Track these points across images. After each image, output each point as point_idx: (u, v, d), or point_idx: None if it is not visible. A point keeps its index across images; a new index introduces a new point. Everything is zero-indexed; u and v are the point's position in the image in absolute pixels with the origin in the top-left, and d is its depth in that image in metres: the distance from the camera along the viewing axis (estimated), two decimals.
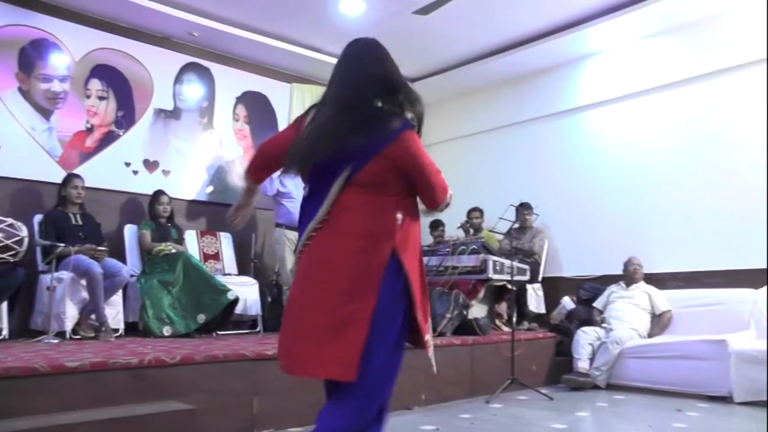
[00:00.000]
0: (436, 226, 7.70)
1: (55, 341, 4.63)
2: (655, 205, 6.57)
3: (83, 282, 5.17)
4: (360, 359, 1.98)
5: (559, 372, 5.88)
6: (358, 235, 2.07)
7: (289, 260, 6.02)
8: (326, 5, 6.40)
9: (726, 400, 4.88)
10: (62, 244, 5.05)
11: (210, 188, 7.14)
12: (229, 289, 5.61)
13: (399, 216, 2.12)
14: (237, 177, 7.35)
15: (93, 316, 5.17)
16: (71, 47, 6.26)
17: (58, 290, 4.95)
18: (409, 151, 2.13)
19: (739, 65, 6.13)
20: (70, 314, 5.08)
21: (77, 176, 5.69)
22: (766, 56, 5.73)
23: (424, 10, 5.75)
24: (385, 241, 2.08)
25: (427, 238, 7.68)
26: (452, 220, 7.46)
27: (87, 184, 5.71)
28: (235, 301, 5.64)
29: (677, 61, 6.55)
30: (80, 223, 5.55)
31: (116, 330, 5.31)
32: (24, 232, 4.77)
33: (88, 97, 6.38)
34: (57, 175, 5.91)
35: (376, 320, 2.01)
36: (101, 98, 6.47)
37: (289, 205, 6.45)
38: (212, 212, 7.09)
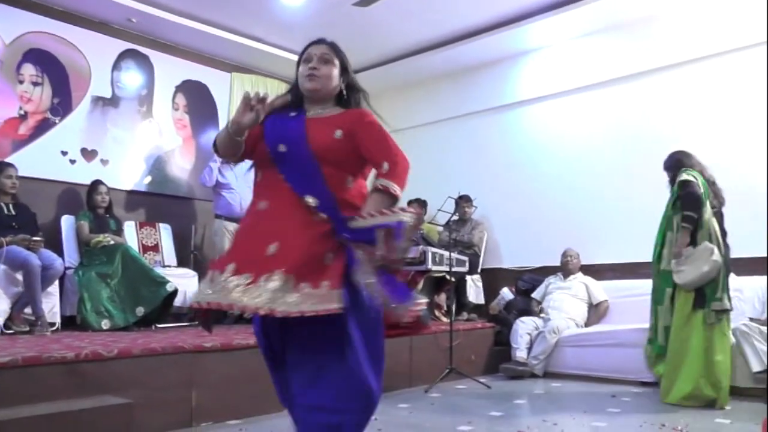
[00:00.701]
0: None
1: None
2: (592, 198, 6.74)
3: (18, 275, 5.03)
4: None
5: (498, 361, 6.00)
6: None
7: None
8: None
9: (657, 385, 5.01)
10: None
11: (149, 178, 7.00)
12: (167, 281, 5.54)
13: None
14: (176, 167, 7.25)
15: (27, 310, 5.03)
16: (1, 30, 6.03)
17: None
18: None
19: (673, 64, 6.34)
20: (1, 308, 4.93)
21: (10, 165, 5.50)
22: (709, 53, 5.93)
23: (365, 2, 5.76)
24: None
25: None
26: None
27: (21, 173, 5.54)
28: (174, 292, 5.57)
29: (615, 58, 6.72)
30: (13, 213, 5.38)
31: (53, 324, 5.19)
32: None
33: (21, 82, 6.17)
34: None
35: None
36: (35, 84, 6.27)
37: (229, 196, 6.42)
38: (151, 203, 6.97)
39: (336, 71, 2.28)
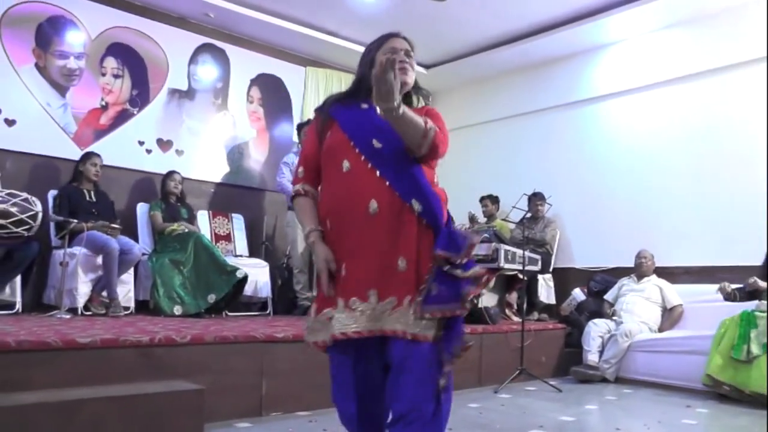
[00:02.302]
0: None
1: (67, 317, 4.64)
2: (668, 198, 6.52)
3: (98, 259, 5.19)
4: None
5: (568, 364, 5.87)
6: None
7: (301, 243, 6.02)
8: None
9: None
10: (75, 221, 5.05)
11: (223, 169, 7.12)
12: (237, 268, 5.59)
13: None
14: (250, 159, 7.34)
15: (104, 293, 5.19)
16: (87, 25, 6.26)
17: (70, 266, 4.99)
18: None
19: (756, 59, 6.04)
20: (83, 290, 5.10)
21: (96, 154, 5.69)
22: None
23: None
24: None
25: None
26: (465, 208, 7.47)
27: (103, 162, 5.73)
28: (245, 278, 5.63)
29: (695, 52, 6.48)
30: (94, 199, 5.56)
31: (127, 308, 5.33)
32: (38, 206, 4.77)
33: (104, 74, 6.38)
34: (71, 152, 5.95)
35: None
36: (116, 76, 6.46)
37: None
38: (225, 193, 7.09)
39: (415, 68, 2.24)
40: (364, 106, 2.18)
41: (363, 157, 2.06)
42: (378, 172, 2.04)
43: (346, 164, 2.07)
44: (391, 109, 1.90)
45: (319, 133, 2.20)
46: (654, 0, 6.20)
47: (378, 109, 1.98)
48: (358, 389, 2.08)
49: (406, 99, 2.24)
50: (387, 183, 2.02)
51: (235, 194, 7.16)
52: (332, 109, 2.20)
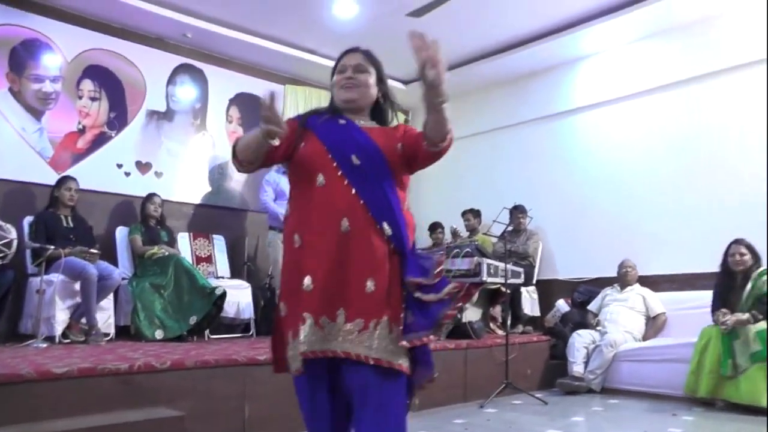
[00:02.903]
0: (434, 228, 7.68)
1: (44, 345, 4.56)
2: (649, 208, 6.55)
3: (76, 285, 5.12)
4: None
5: (554, 376, 5.86)
6: None
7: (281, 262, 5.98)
8: (319, 7, 6.38)
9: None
10: (52, 247, 4.99)
11: (203, 190, 7.08)
12: (215, 287, 5.54)
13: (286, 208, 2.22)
14: (230, 179, 7.31)
15: (83, 320, 5.11)
16: (63, 47, 6.21)
17: (47, 293, 4.90)
18: None
19: (732, 67, 6.13)
20: (60, 318, 5.01)
21: (72, 178, 5.62)
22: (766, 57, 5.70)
23: (417, 13, 5.72)
24: None
25: (426, 240, 7.69)
26: (447, 223, 7.48)
27: (79, 186, 5.66)
28: (223, 295, 5.56)
29: (670, 62, 6.54)
30: (71, 225, 5.50)
31: (107, 334, 5.26)
32: (13, 234, 4.72)
33: (80, 97, 6.33)
34: (48, 177, 5.87)
35: None
36: (93, 99, 6.41)
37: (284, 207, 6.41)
38: (205, 214, 7.05)
39: (372, 80, 2.19)
40: (342, 122, 2.15)
41: (340, 172, 2.02)
42: (353, 190, 2.00)
43: (320, 178, 2.02)
44: (441, 102, 1.92)
45: (296, 136, 2.10)
46: (629, 12, 6.25)
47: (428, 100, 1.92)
48: (325, 412, 2.05)
49: (378, 114, 2.23)
50: (361, 202, 1.99)
51: (215, 215, 7.11)
52: (310, 119, 2.17)
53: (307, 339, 1.92)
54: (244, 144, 2.04)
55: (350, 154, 2.03)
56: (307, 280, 1.95)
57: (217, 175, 7.22)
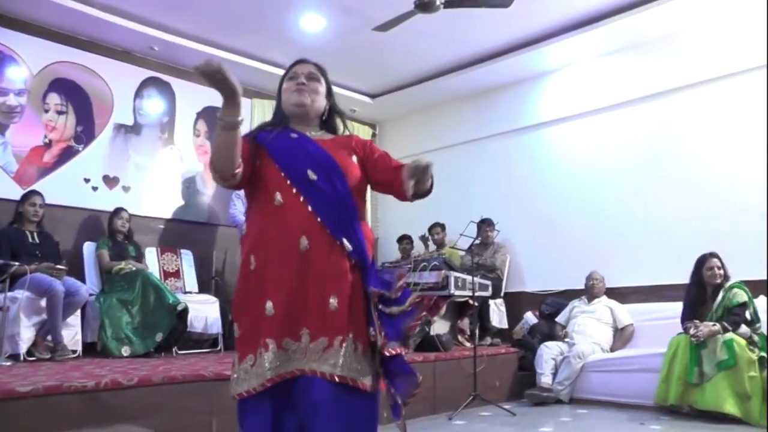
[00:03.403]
0: (402, 239, 7.72)
1: (8, 364, 4.47)
2: (616, 220, 6.66)
3: (42, 302, 5.03)
4: None
5: (522, 387, 5.90)
6: None
7: None
8: (287, 21, 6.39)
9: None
10: (17, 263, 4.91)
11: (171, 205, 7.03)
12: (178, 302, 5.48)
13: (243, 228, 2.15)
14: (198, 194, 7.27)
15: (49, 337, 5.04)
16: (28, 60, 6.14)
17: (12, 310, 4.81)
18: None
19: (696, 82, 6.27)
20: (25, 335, 4.91)
21: (37, 193, 5.54)
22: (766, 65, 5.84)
23: (384, 27, 5.77)
24: None
25: (395, 252, 7.71)
26: (415, 234, 7.52)
27: (45, 201, 5.58)
28: (185, 311, 5.51)
29: (636, 77, 6.67)
30: (37, 241, 5.42)
31: (74, 351, 5.18)
32: None
33: (47, 111, 6.26)
34: (12, 192, 5.79)
35: None
36: (60, 113, 6.35)
37: None
38: (173, 229, 6.99)
39: (323, 89, 2.19)
40: (294, 135, 2.12)
41: (295, 190, 2.00)
42: (310, 207, 1.98)
43: (278, 197, 1.99)
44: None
45: (250, 154, 2.04)
46: (596, 28, 6.37)
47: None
48: None
49: (327, 126, 2.23)
50: (318, 219, 1.97)
51: (183, 230, 7.07)
52: (260, 135, 2.11)
53: (272, 365, 1.90)
54: (215, 149, 1.98)
55: (305, 169, 2.02)
56: (269, 305, 1.93)
57: (185, 189, 7.18)
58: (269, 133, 2.13)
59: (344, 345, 1.91)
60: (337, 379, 1.88)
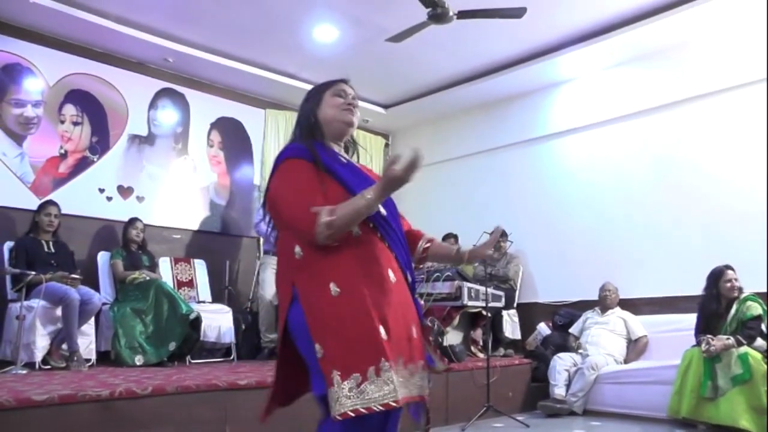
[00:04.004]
0: None
1: (24, 372, 4.52)
2: (628, 231, 6.63)
3: (57, 311, 5.06)
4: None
5: (536, 398, 5.88)
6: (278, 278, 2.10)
7: (271, 285, 6.00)
8: (300, 32, 6.43)
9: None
10: (33, 272, 4.96)
11: (185, 215, 7.06)
12: (191, 311, 5.50)
13: (297, 250, 1.96)
14: (211, 204, 7.30)
15: (64, 346, 5.07)
16: (45, 72, 6.22)
17: (27, 319, 4.85)
18: (271, 182, 2.04)
19: (706, 93, 6.25)
20: (41, 344, 4.95)
21: (53, 203, 5.59)
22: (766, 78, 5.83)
23: (397, 38, 5.80)
24: (284, 280, 2.00)
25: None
26: None
27: (61, 211, 5.62)
28: (198, 319, 5.53)
29: (647, 88, 6.65)
30: (52, 250, 5.47)
31: (88, 360, 5.20)
32: None
33: (62, 122, 6.33)
34: (29, 202, 5.86)
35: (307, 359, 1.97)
36: (75, 123, 6.41)
37: None
38: (186, 239, 7.03)
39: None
40: (343, 160, 2.10)
41: (372, 225, 1.97)
42: (387, 243, 1.99)
43: (355, 229, 1.93)
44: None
45: (319, 180, 1.98)
46: (605, 39, 6.35)
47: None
48: None
49: (347, 149, 2.23)
50: (393, 254, 2.00)
51: (197, 240, 7.10)
52: (325, 159, 2.02)
53: (397, 384, 1.87)
54: (352, 217, 1.88)
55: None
56: (382, 330, 1.87)
57: (198, 199, 7.21)
58: (328, 157, 2.05)
59: (425, 368, 2.00)
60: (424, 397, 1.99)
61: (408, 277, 2.03)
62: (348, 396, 1.80)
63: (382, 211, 2.00)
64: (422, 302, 5.70)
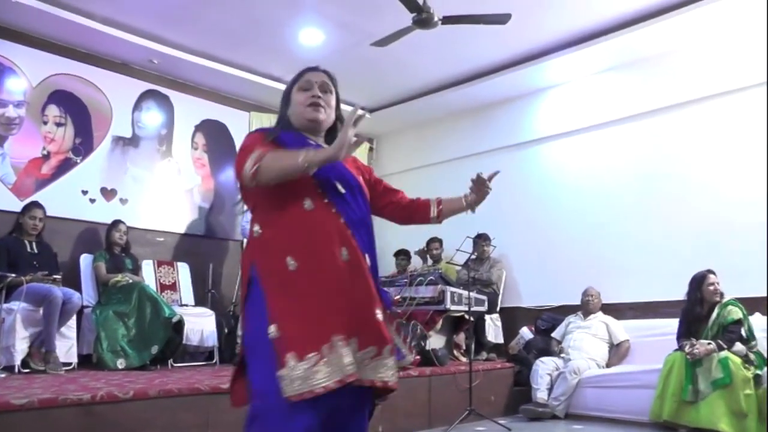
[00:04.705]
0: (398, 254, 7.72)
1: (3, 375, 4.47)
2: (612, 236, 6.67)
3: (38, 312, 5.00)
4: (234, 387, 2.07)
5: (518, 402, 5.89)
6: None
7: None
8: (286, 35, 6.43)
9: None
10: (13, 274, 4.91)
11: (168, 217, 7.03)
12: (174, 314, 5.49)
13: (256, 228, 1.99)
14: (195, 206, 7.27)
15: (43, 348, 5.02)
16: (28, 72, 6.17)
17: (7, 322, 4.80)
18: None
19: (692, 100, 6.30)
20: (20, 347, 4.88)
21: (38, 206, 5.54)
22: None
23: (382, 42, 5.81)
24: (246, 261, 2.01)
25: (391, 266, 7.69)
26: (412, 248, 7.52)
27: (45, 214, 5.59)
28: (180, 323, 5.52)
29: (633, 94, 6.70)
30: (35, 251, 5.43)
31: (69, 363, 5.16)
32: None
33: (45, 123, 6.28)
34: (10, 203, 5.82)
35: (247, 345, 1.97)
36: (59, 124, 6.37)
37: None
38: (170, 242, 7.01)
39: (334, 102, 2.15)
40: (312, 143, 2.08)
41: (327, 200, 1.96)
42: (342, 219, 1.96)
43: (308, 202, 1.94)
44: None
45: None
46: (592, 45, 6.39)
47: None
48: None
49: (332, 135, 2.13)
50: (349, 232, 1.96)
51: (180, 243, 7.08)
52: (283, 137, 2.03)
53: (350, 362, 1.85)
54: (279, 167, 1.89)
55: (333, 181, 1.98)
56: (329, 306, 1.87)
57: (182, 202, 7.18)
58: (293, 135, 2.08)
59: (392, 354, 1.95)
60: (391, 386, 1.95)
61: (367, 260, 1.99)
62: (301, 377, 1.78)
63: (340, 189, 1.99)
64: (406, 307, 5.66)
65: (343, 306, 1.88)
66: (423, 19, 5.34)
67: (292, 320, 1.85)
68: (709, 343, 4.82)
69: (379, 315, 1.94)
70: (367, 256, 1.99)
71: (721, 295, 5.12)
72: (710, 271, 5.20)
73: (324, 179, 1.96)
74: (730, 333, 4.90)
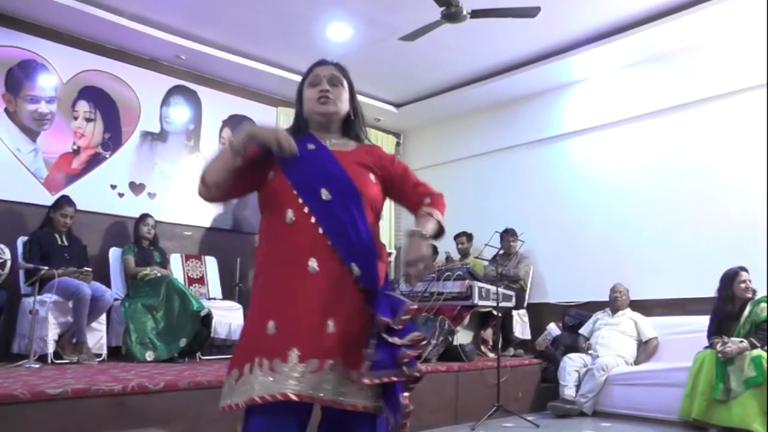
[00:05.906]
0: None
1: (37, 366, 4.55)
2: (639, 232, 6.60)
3: (68, 304, 5.08)
4: None
5: (545, 399, 5.87)
6: None
7: None
8: (313, 30, 6.45)
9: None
10: (46, 267, 4.97)
11: (196, 212, 7.07)
12: (202, 307, 5.52)
13: (257, 239, 2.01)
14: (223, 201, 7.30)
15: (74, 339, 5.10)
16: (59, 68, 6.25)
17: (40, 313, 4.88)
18: None
19: (719, 95, 6.22)
20: (53, 338, 4.98)
21: (70, 203, 5.61)
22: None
23: (410, 36, 5.80)
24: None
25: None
26: (440, 248, 7.50)
27: (76, 210, 5.66)
28: (208, 316, 5.54)
29: (659, 89, 6.63)
30: (66, 243, 5.52)
31: (99, 355, 5.23)
32: (6, 254, 4.72)
33: (75, 118, 6.35)
34: (42, 197, 5.90)
35: None
36: (88, 120, 6.44)
37: None
38: (197, 236, 7.06)
39: (346, 95, 2.07)
40: (311, 146, 2.00)
41: (307, 210, 1.89)
42: (321, 229, 1.87)
43: (289, 215, 1.89)
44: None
45: (258, 163, 1.98)
46: (618, 39, 6.34)
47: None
48: None
49: (349, 131, 2.10)
50: (329, 242, 1.86)
51: (208, 237, 7.13)
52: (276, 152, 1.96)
53: (260, 385, 1.79)
54: (214, 163, 1.98)
55: (319, 188, 1.91)
56: (270, 324, 1.82)
57: None
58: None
59: (335, 369, 1.80)
60: (318, 402, 1.80)
61: (355, 269, 1.86)
62: (227, 391, 1.84)
63: (325, 195, 1.90)
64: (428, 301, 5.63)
65: (289, 321, 1.82)
66: (452, 13, 5.33)
67: (243, 335, 1.95)
68: (741, 341, 4.76)
69: (331, 326, 1.81)
70: (353, 264, 1.87)
71: (753, 292, 5.06)
72: (742, 268, 5.13)
73: (307, 187, 1.92)
74: (763, 331, 4.82)
